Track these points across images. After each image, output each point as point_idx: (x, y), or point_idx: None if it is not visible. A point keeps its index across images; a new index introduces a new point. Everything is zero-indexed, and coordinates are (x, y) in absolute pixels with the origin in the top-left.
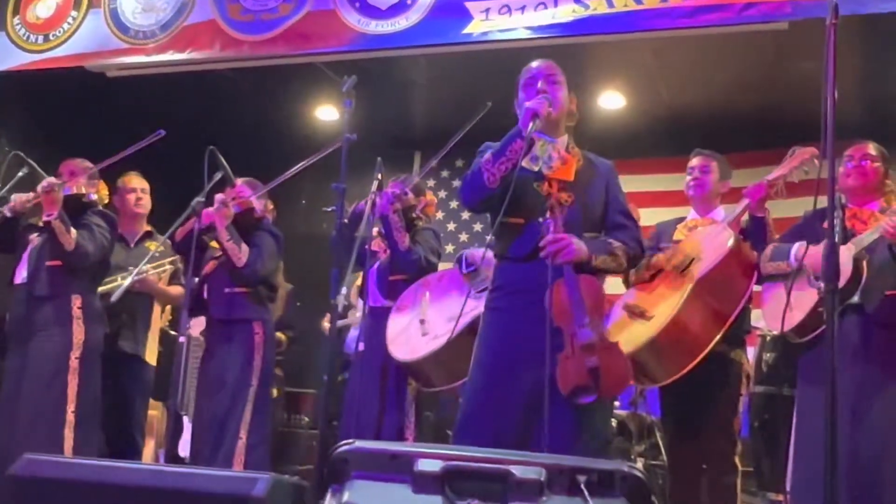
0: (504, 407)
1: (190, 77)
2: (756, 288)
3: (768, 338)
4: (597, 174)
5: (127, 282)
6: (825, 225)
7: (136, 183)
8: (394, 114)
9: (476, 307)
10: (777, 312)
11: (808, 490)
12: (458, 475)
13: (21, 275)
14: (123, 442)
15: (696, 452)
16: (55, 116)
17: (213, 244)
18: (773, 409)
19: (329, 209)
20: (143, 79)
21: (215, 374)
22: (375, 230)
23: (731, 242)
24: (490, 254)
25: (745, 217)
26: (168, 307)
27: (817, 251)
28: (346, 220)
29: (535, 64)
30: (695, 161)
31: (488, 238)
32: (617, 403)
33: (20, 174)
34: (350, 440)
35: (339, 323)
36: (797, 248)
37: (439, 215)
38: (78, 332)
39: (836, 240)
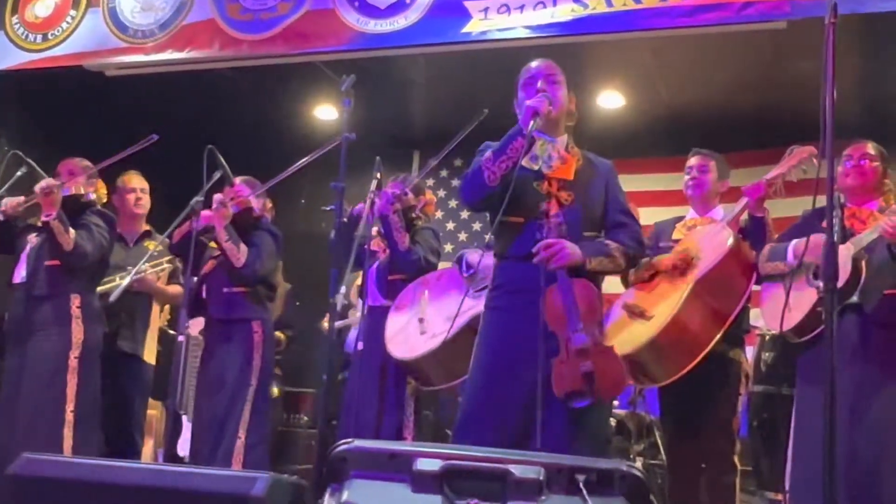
0: (504, 406)
1: (189, 76)
2: (755, 287)
3: (767, 337)
4: (597, 174)
5: (126, 281)
6: (824, 224)
7: (136, 183)
8: (393, 113)
9: (475, 306)
10: (776, 312)
11: (807, 489)
12: (457, 474)
13: (20, 274)
14: (122, 441)
15: (695, 452)
16: (54, 116)
17: (212, 244)
18: (772, 409)
19: (328, 208)
20: (142, 78)
21: (215, 374)
22: (375, 230)
23: (730, 242)
24: (487, 257)
25: (745, 216)
26: (167, 307)
27: (818, 240)
28: (345, 219)
29: (534, 64)
30: (693, 160)
31: (487, 238)
32: (616, 403)
33: (19, 173)
34: (349, 439)
35: (340, 323)
36: (794, 245)
37: (438, 214)
38: (77, 332)
39: (835, 239)
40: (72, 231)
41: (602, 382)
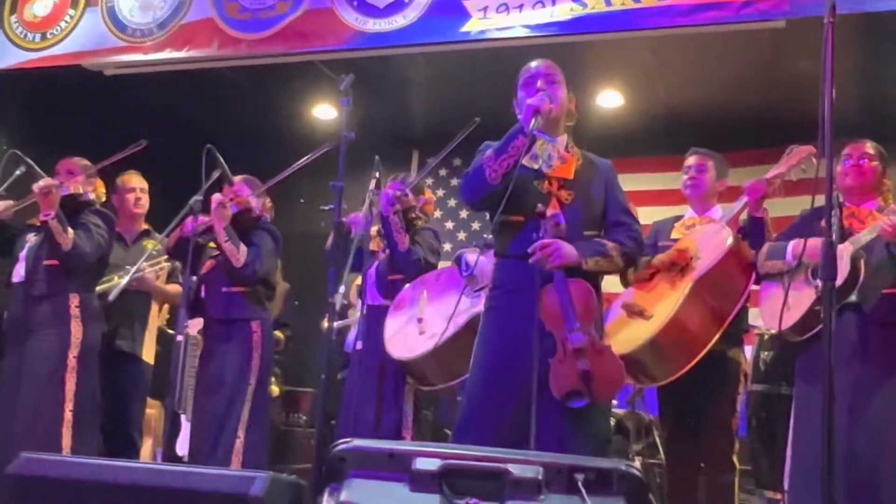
0: (504, 406)
1: (187, 75)
2: (754, 287)
3: (766, 336)
4: (597, 173)
5: (124, 280)
6: (823, 224)
7: (136, 182)
8: (392, 112)
9: (475, 305)
10: (775, 311)
11: (806, 488)
12: (455, 474)
13: (18, 274)
14: (121, 441)
15: (694, 451)
16: (52, 115)
17: (211, 245)
18: (771, 408)
19: (327, 207)
20: (141, 77)
21: (214, 374)
22: (374, 229)
23: (729, 241)
24: (483, 259)
25: (744, 216)
26: (166, 306)
27: (817, 243)
28: (342, 219)
29: (534, 64)
30: (691, 160)
31: (485, 237)
32: (615, 402)
33: (17, 173)
34: (348, 439)
35: (340, 323)
36: (794, 245)
37: (437, 213)
38: (76, 331)
39: (834, 238)
40: (70, 231)
41: (599, 382)
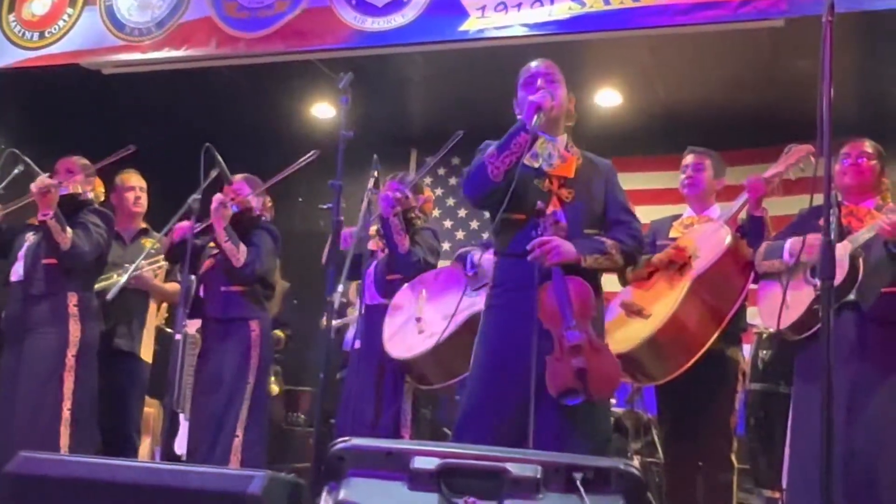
0: (504, 404)
1: (186, 74)
2: (752, 286)
3: (765, 335)
4: (597, 172)
5: (123, 279)
6: (821, 222)
7: (135, 181)
8: (390, 111)
9: (473, 305)
10: (773, 310)
11: (805, 487)
12: (454, 472)
13: (17, 273)
14: (119, 439)
15: (693, 450)
16: (50, 114)
17: (210, 244)
18: (770, 407)
19: (325, 206)
20: (139, 76)
21: (212, 372)
22: (374, 229)
23: (728, 240)
24: (485, 258)
25: (743, 214)
26: (164, 305)
27: (815, 240)
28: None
29: (534, 63)
30: (688, 159)
31: (486, 236)
32: (613, 401)
33: (16, 172)
34: (346, 438)
35: (339, 322)
36: (790, 243)
37: (436, 212)
38: (74, 330)
39: (832, 237)
40: (69, 230)
41: (595, 380)
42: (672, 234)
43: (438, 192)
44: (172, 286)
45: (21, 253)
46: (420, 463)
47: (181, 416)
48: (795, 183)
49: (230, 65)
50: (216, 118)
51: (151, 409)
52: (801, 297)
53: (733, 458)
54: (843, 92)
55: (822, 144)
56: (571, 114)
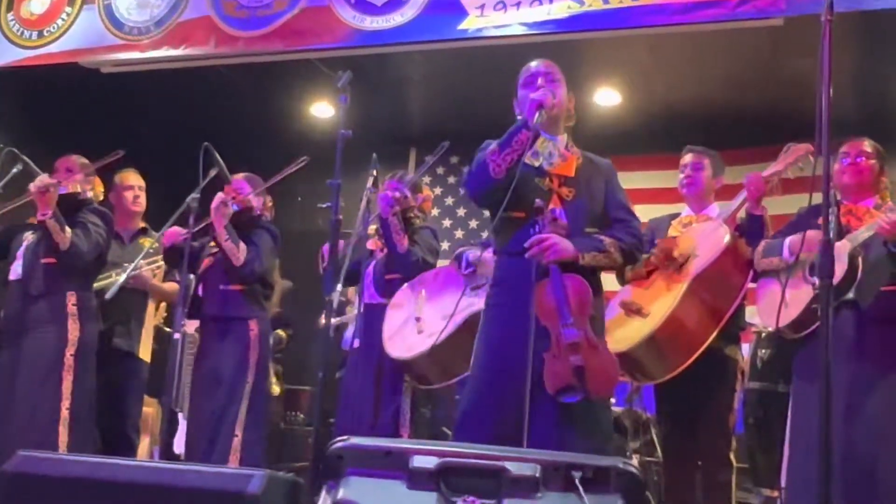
0: (505, 402)
1: (185, 73)
2: (751, 285)
3: (763, 334)
4: (597, 171)
5: (121, 279)
6: (820, 221)
7: (134, 180)
8: (389, 110)
9: (473, 304)
10: (772, 309)
11: (803, 486)
12: (453, 471)
13: (16, 272)
14: (118, 439)
15: (692, 449)
16: (49, 113)
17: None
18: (769, 406)
19: (324, 205)
20: (138, 75)
21: (211, 372)
22: (372, 228)
23: (726, 239)
24: (487, 254)
25: (742, 213)
26: (163, 304)
27: (814, 237)
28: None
29: (534, 63)
30: (687, 158)
31: (484, 235)
32: (612, 400)
33: (14, 171)
34: (345, 437)
35: (337, 320)
36: (790, 241)
37: (435, 212)
38: (73, 329)
39: (831, 236)
40: (68, 230)
41: (593, 377)
42: (671, 234)
43: (437, 191)
44: (171, 286)
45: (20, 252)
46: (419, 462)
47: (180, 416)
48: (794, 182)
49: (229, 64)
50: (215, 117)
51: (150, 408)
52: (800, 295)
53: (732, 456)
54: (842, 91)
55: (820, 143)
56: (571, 114)
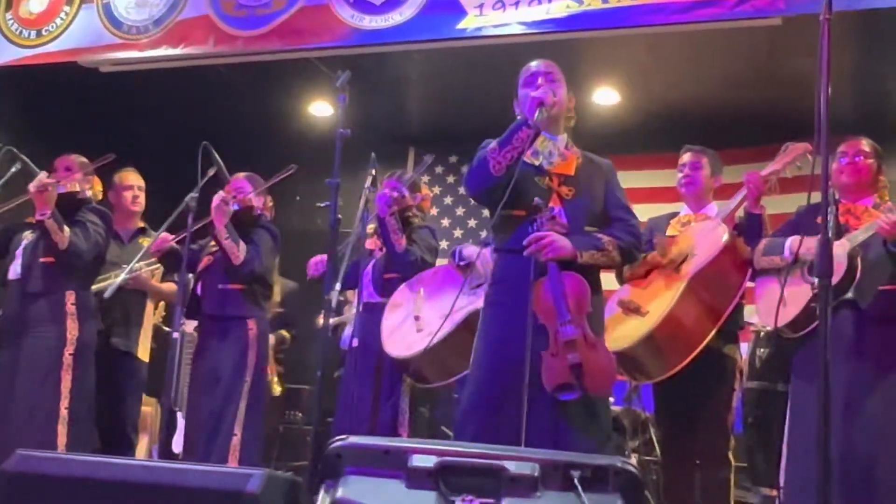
0: (505, 400)
1: (183, 72)
2: (749, 284)
3: (762, 333)
4: (597, 171)
5: (120, 279)
6: (819, 220)
7: (133, 180)
8: (388, 109)
9: (471, 303)
10: (771, 308)
11: (802, 485)
12: (452, 471)
13: (15, 271)
14: (117, 438)
15: (690, 448)
16: (48, 112)
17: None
18: (767, 405)
19: (323, 204)
20: (137, 74)
21: (209, 371)
22: (371, 228)
23: (725, 238)
24: (486, 252)
25: (740, 212)
26: (161, 303)
27: (814, 242)
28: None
29: (534, 63)
30: (685, 157)
31: (483, 234)
32: (611, 399)
33: (13, 170)
34: (344, 436)
35: (336, 320)
36: (791, 241)
37: (434, 211)
38: (72, 329)
39: (830, 235)
40: (66, 229)
41: (590, 375)
42: (669, 233)
43: (436, 190)
44: (169, 286)
45: (19, 251)
46: (418, 461)
47: (179, 415)
48: (793, 181)
49: (228, 63)
50: (214, 116)
51: (149, 407)
52: (799, 294)
53: (730, 455)
54: (840, 90)
55: (819, 142)
56: (572, 114)
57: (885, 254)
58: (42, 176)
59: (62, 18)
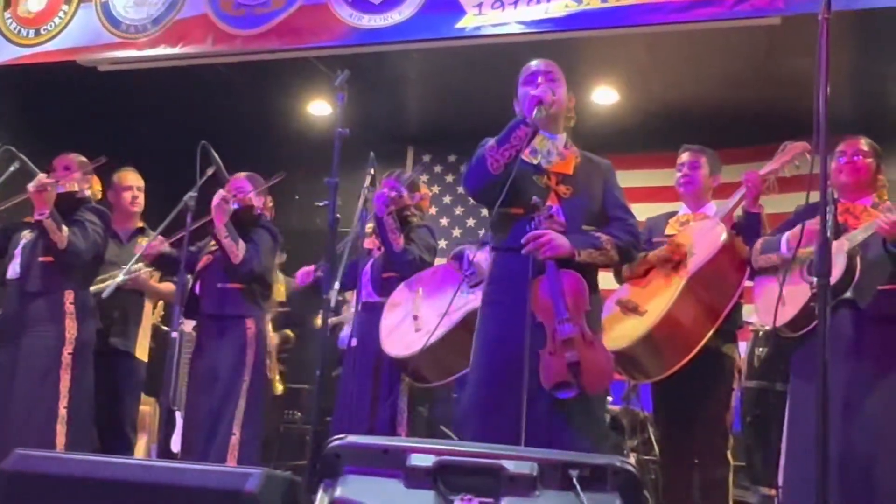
0: (505, 399)
1: (182, 72)
2: (748, 283)
3: (761, 333)
4: (596, 171)
5: (118, 279)
6: (818, 220)
7: (132, 180)
8: (387, 108)
9: (470, 302)
10: (770, 307)
11: (801, 485)
12: (450, 470)
13: (14, 270)
14: (116, 437)
15: (689, 447)
16: (47, 111)
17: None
18: (766, 405)
19: (322, 204)
20: (136, 73)
21: (207, 370)
22: (370, 227)
23: (723, 237)
24: (483, 255)
25: (738, 212)
26: (160, 303)
27: (812, 227)
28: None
29: (534, 63)
30: (684, 157)
31: (482, 234)
32: (610, 399)
33: (11, 169)
34: (342, 435)
35: (334, 319)
36: (788, 236)
37: (433, 210)
38: (71, 328)
39: (829, 235)
40: (65, 229)
41: (588, 373)
42: (668, 232)
43: (435, 189)
44: (168, 286)
45: (17, 250)
46: (416, 460)
47: (177, 414)
48: (791, 180)
49: (226, 62)
50: (212, 116)
51: (147, 406)
52: (798, 294)
53: (729, 455)
54: (839, 90)
55: (818, 142)
56: (571, 114)
57: (884, 253)
58: (41, 176)
59: (60, 17)
